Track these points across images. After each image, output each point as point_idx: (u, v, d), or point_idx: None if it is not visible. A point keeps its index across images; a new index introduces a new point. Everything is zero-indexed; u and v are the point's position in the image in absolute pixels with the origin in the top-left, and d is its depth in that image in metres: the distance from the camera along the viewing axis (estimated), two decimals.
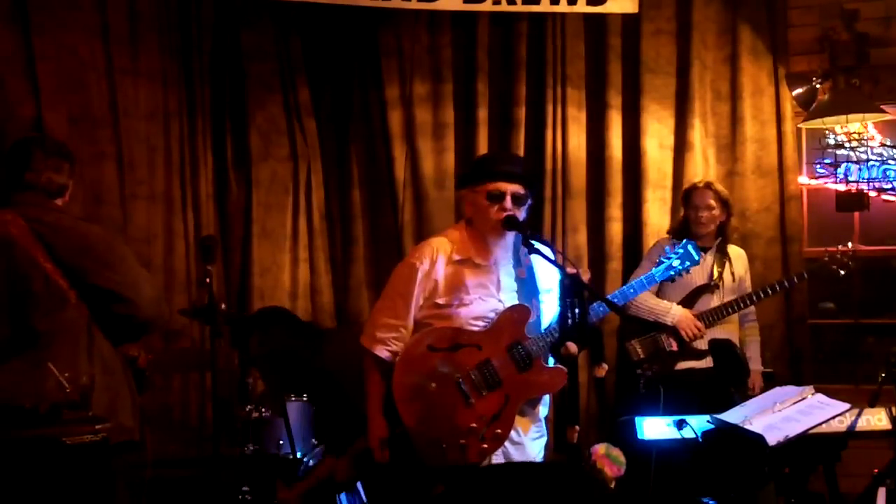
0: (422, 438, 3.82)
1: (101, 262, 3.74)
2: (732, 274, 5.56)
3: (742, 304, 5.47)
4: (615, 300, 4.23)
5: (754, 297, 5.49)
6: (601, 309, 3.98)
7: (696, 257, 4.41)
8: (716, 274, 5.51)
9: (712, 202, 5.53)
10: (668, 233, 5.78)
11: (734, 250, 5.66)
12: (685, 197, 5.67)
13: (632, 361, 5.50)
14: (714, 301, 5.49)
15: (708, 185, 5.61)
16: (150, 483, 4.20)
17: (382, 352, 3.96)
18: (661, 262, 4.36)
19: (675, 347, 5.40)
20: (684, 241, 4.44)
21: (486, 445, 3.87)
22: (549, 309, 4.06)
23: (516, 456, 3.98)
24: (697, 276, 5.46)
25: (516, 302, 4.02)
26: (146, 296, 3.81)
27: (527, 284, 4.06)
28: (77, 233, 3.78)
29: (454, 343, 3.91)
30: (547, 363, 4.04)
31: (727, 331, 5.46)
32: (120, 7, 5.91)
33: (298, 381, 5.55)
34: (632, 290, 4.38)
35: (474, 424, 3.84)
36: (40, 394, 3.52)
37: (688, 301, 5.48)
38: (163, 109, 6.07)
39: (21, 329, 3.63)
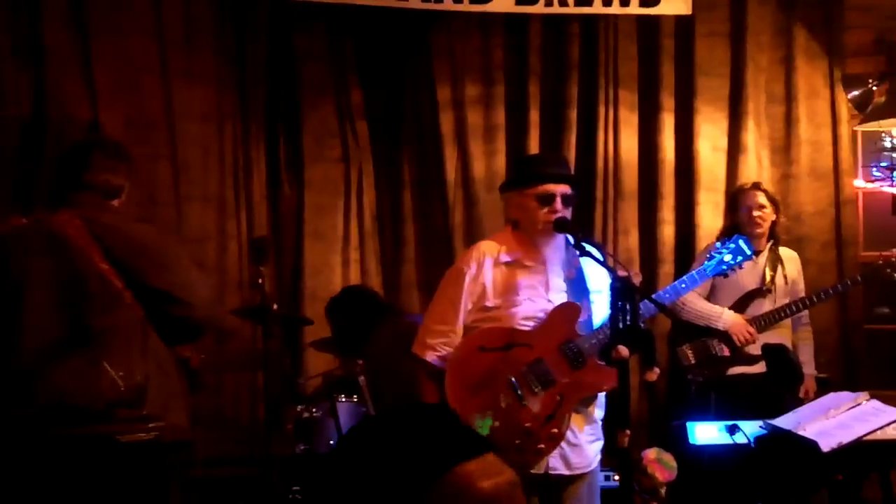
0: None
1: (157, 264, 3.77)
2: (785, 277, 5.49)
3: (795, 309, 5.40)
4: (666, 296, 4.14)
5: (807, 302, 5.41)
6: (650, 307, 3.92)
7: (749, 252, 4.16)
8: (768, 277, 5.45)
9: (763, 201, 5.47)
10: (718, 238, 5.64)
11: (786, 252, 5.59)
12: (733, 200, 5.61)
13: (682, 367, 5.46)
14: (766, 305, 5.42)
15: (756, 185, 5.56)
16: (202, 482, 4.25)
17: (432, 357, 3.95)
18: (712, 257, 4.16)
19: (726, 353, 5.34)
20: (735, 235, 4.26)
21: (542, 446, 3.83)
22: (599, 310, 4.02)
23: (574, 458, 3.95)
24: (749, 280, 5.42)
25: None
26: (201, 297, 3.83)
27: (576, 285, 4.03)
28: (133, 234, 3.82)
29: (506, 342, 3.88)
30: (599, 361, 4.00)
31: (780, 335, 5.40)
32: (175, 10, 5.99)
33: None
34: (683, 285, 4.19)
35: (529, 424, 3.82)
36: (95, 392, 3.57)
37: (739, 305, 5.41)
38: (217, 111, 6.13)
39: (76, 328, 3.67)
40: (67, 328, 3.66)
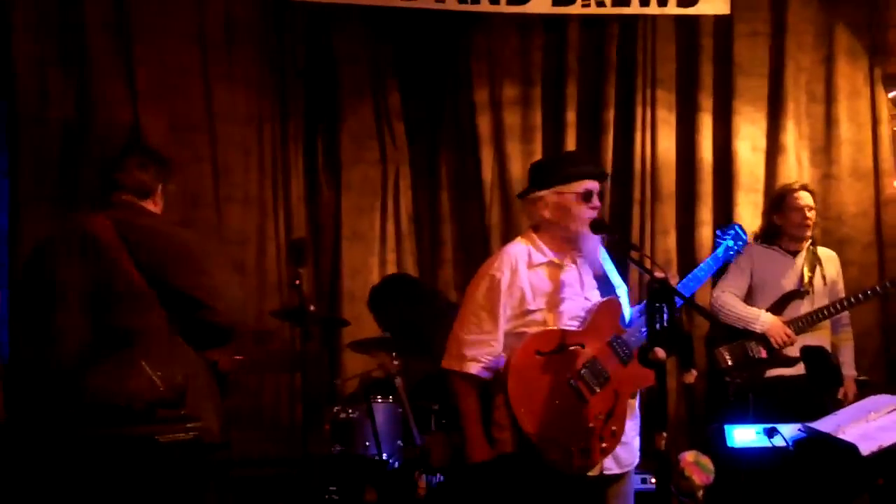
0: (546, 444, 3.75)
1: (184, 267, 3.74)
2: (824, 277, 5.43)
3: (834, 310, 5.34)
4: (690, 285, 4.16)
5: (847, 303, 5.34)
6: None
7: (745, 237, 4.49)
8: (806, 278, 5.40)
9: (812, 202, 5.43)
10: (755, 238, 5.58)
11: (825, 252, 5.53)
12: (780, 200, 5.52)
13: (720, 369, 5.42)
14: (805, 306, 5.37)
15: (804, 187, 5.51)
16: (240, 482, 4.28)
17: (475, 368, 3.87)
18: (718, 244, 4.41)
19: (763, 355, 5.31)
20: (732, 223, 4.47)
21: (605, 444, 3.82)
22: (623, 304, 4.04)
23: (623, 455, 3.93)
24: (788, 281, 5.38)
25: (601, 298, 3.99)
26: (228, 303, 3.78)
27: (605, 281, 4.04)
28: (165, 237, 3.81)
29: (560, 344, 3.84)
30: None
31: (819, 337, 5.33)
32: (217, 14, 6.05)
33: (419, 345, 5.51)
34: (702, 273, 4.23)
35: (592, 424, 3.80)
36: (135, 392, 3.60)
37: (777, 307, 5.37)
38: (257, 114, 6.18)
39: (108, 329, 3.70)
40: (101, 329, 3.70)
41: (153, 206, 3.99)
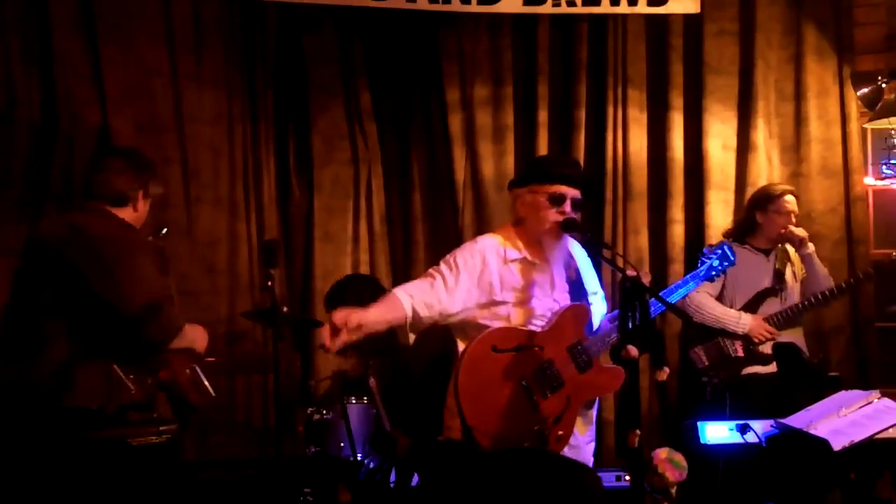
0: (485, 439, 3.77)
1: (103, 271, 3.69)
2: (794, 274, 5.48)
3: (810, 305, 5.38)
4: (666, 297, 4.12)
5: (821, 297, 5.37)
6: (659, 306, 3.92)
7: (732, 258, 4.30)
8: (788, 275, 5.44)
9: (796, 208, 5.46)
10: (725, 235, 5.59)
11: (792, 250, 5.58)
12: (765, 201, 5.50)
13: (696, 369, 5.44)
14: (778, 303, 5.41)
15: (791, 191, 5.51)
16: (214, 483, 4.26)
17: (401, 292, 3.91)
18: (703, 262, 4.26)
19: (740, 353, 5.33)
20: (721, 242, 4.32)
21: (549, 448, 3.83)
22: (596, 310, 4.05)
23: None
24: (762, 279, 5.40)
25: (569, 302, 4.00)
26: (145, 311, 3.70)
27: (576, 286, 4.05)
28: (92, 237, 3.76)
29: (518, 344, 3.87)
30: (604, 363, 4.00)
31: (791, 333, 5.38)
32: (185, 14, 6.01)
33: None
34: (681, 290, 4.18)
35: (539, 427, 3.82)
36: (107, 395, 3.58)
37: (752, 305, 5.40)
38: (227, 114, 6.14)
39: (76, 334, 3.66)
40: (72, 334, 3.67)
41: (130, 213, 3.94)
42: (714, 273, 4.28)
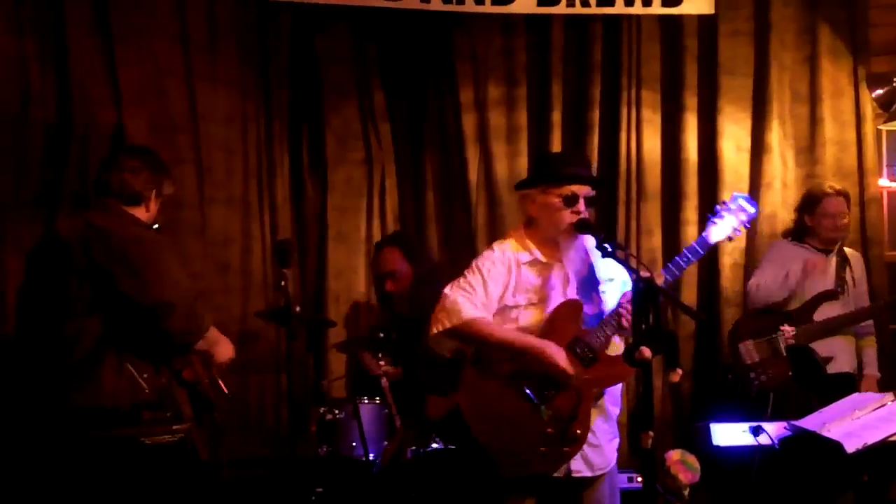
0: (499, 454, 3.78)
1: (131, 271, 3.70)
2: (853, 278, 5.44)
3: (862, 316, 5.31)
4: (678, 264, 3.98)
5: (876, 311, 5.35)
6: (682, 264, 3.92)
7: (753, 209, 3.99)
8: (848, 278, 5.40)
9: (846, 208, 5.42)
10: (784, 235, 5.65)
11: (851, 253, 5.56)
12: (812, 203, 5.48)
13: (743, 364, 5.34)
14: (837, 307, 5.32)
15: (840, 192, 5.46)
16: (227, 483, 4.26)
17: (473, 311, 3.86)
18: (712, 223, 3.99)
19: (792, 340, 5.22)
20: (735, 194, 4.03)
21: (566, 449, 3.81)
22: (610, 298, 3.98)
23: (595, 459, 3.92)
24: (819, 282, 5.34)
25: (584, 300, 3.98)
26: (174, 310, 3.72)
27: (588, 281, 4.01)
28: (116, 238, 3.77)
29: (511, 354, 3.87)
30: (612, 352, 3.95)
31: (844, 340, 5.31)
32: (199, 14, 6.02)
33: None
34: (686, 258, 3.96)
35: (550, 430, 3.80)
36: (121, 394, 3.59)
37: (810, 306, 5.32)
38: (241, 114, 6.15)
39: (88, 333, 3.67)
40: (86, 332, 3.68)
41: (143, 212, 3.96)
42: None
